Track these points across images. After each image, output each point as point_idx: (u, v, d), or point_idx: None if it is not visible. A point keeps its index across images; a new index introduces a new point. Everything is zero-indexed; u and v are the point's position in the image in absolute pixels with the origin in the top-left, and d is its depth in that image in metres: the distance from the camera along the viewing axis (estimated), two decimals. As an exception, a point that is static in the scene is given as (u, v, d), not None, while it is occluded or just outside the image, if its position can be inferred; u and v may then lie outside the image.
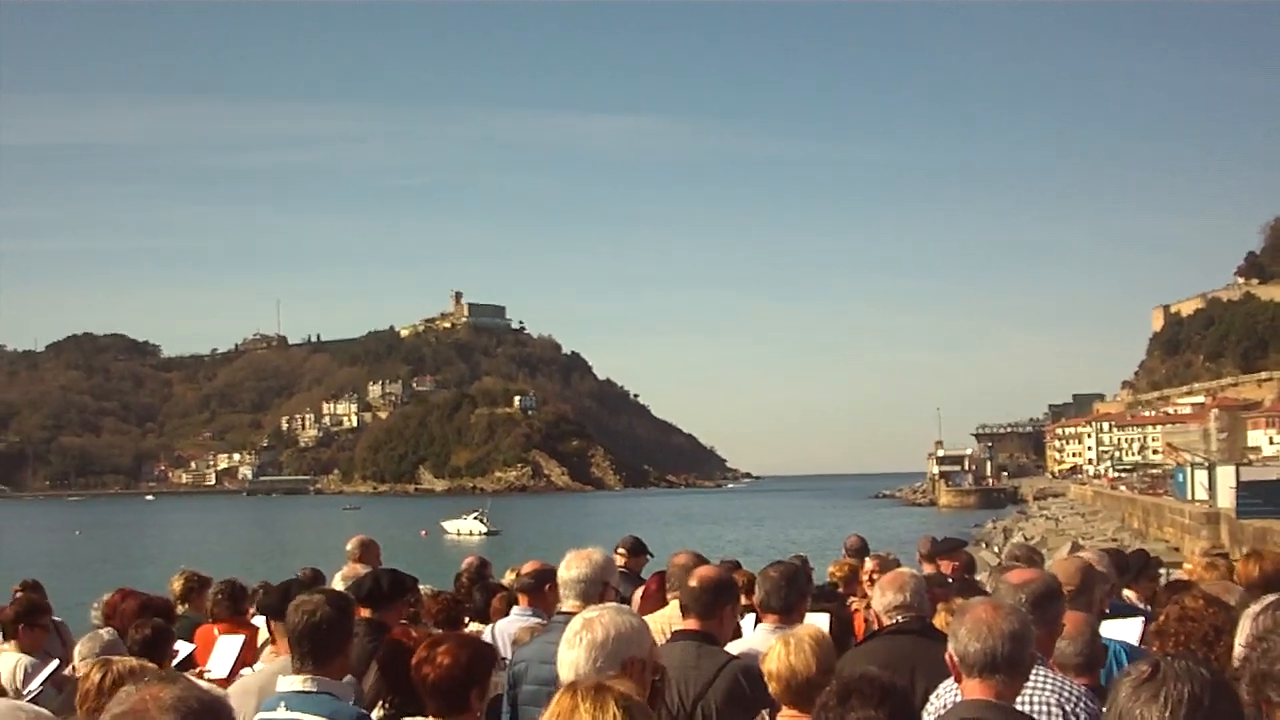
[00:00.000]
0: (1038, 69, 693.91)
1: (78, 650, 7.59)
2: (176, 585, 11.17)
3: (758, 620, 7.36)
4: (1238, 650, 3.95)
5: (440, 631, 7.35)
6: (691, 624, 6.52)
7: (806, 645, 5.71)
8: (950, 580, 11.48)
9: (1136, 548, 16.28)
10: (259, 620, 9.35)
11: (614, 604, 5.59)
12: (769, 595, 7.12)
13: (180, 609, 10.58)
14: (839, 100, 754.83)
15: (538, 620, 8.18)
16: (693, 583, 6.72)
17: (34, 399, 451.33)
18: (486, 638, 8.33)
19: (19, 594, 10.32)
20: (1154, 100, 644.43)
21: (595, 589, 7.00)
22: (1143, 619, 7.97)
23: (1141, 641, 7.37)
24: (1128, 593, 9.98)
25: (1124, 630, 7.69)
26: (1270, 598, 4.65)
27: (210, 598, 10.66)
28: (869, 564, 11.88)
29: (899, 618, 6.83)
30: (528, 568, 9.46)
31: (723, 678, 6.12)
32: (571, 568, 7.12)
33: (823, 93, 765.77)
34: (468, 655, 5.50)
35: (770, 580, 7.21)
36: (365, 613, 7.67)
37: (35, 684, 7.78)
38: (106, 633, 8.26)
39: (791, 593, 7.18)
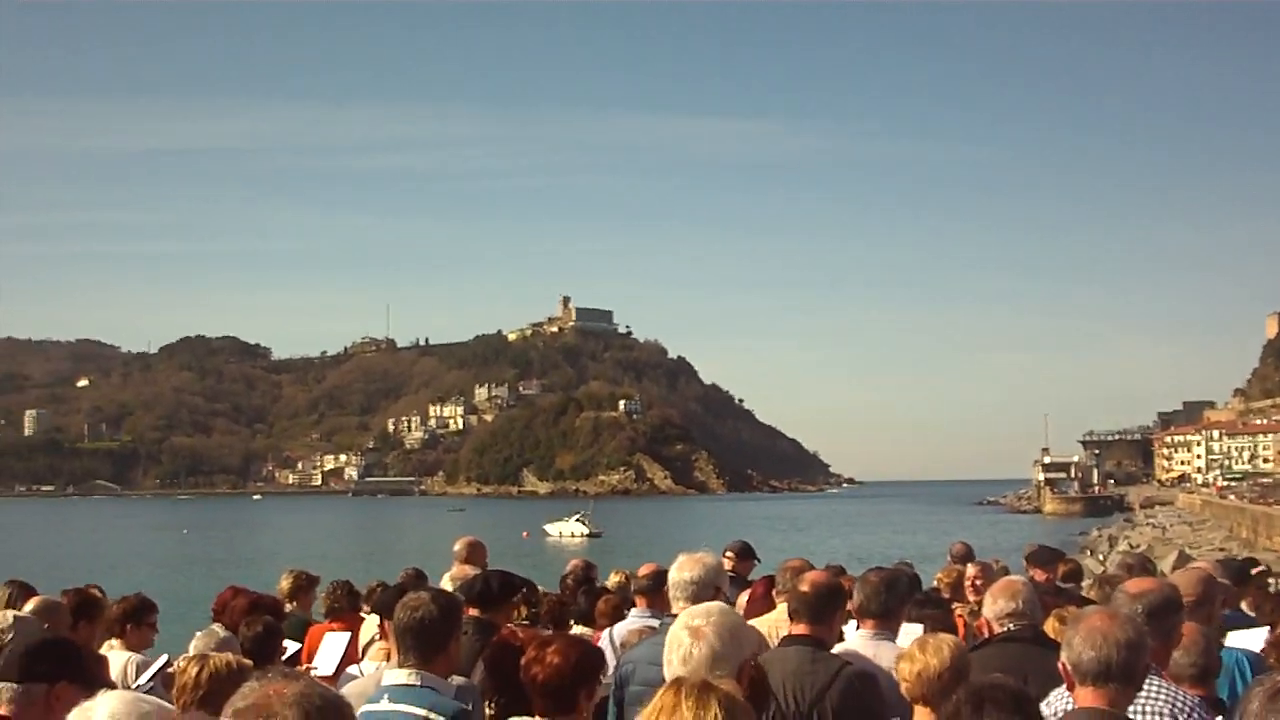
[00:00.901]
0: (1147, 67, 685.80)
1: (193, 646, 7.69)
2: (285, 584, 11.31)
3: (858, 626, 7.35)
4: None
5: (548, 632, 7.39)
6: (802, 629, 6.51)
7: (945, 646, 5.86)
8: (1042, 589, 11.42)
9: (1245, 556, 16.08)
10: (373, 619, 9.46)
11: (723, 605, 5.59)
12: (868, 600, 7.13)
13: (289, 607, 10.72)
14: (948, 98, 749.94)
15: (655, 622, 8.20)
16: (804, 588, 6.70)
17: (147, 400, 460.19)
18: (604, 640, 8.38)
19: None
20: (1268, 97, 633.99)
21: (706, 592, 7.00)
22: (1267, 629, 7.87)
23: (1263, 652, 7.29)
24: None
25: (1248, 640, 7.61)
26: None
27: (326, 596, 10.80)
28: (971, 570, 11.80)
29: (1010, 625, 6.81)
30: (644, 570, 9.49)
31: (839, 682, 6.11)
32: (683, 570, 7.13)
33: (930, 91, 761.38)
34: (577, 655, 5.52)
35: (870, 585, 7.22)
36: (474, 612, 7.72)
37: (145, 679, 7.89)
38: (219, 629, 8.39)
39: (890, 598, 7.19)
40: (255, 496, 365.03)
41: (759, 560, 12.67)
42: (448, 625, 5.78)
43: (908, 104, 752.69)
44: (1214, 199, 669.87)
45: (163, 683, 7.73)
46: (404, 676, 5.60)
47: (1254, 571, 11.14)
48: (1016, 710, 3.91)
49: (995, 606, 6.96)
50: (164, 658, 8.17)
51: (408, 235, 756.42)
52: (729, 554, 12.34)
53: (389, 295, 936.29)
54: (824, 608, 6.57)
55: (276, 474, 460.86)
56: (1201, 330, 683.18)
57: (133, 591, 9.31)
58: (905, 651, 6.09)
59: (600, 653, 6.02)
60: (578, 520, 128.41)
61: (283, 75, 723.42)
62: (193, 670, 5.82)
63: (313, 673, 8.63)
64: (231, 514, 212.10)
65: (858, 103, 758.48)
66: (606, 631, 8.85)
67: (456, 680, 5.90)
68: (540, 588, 10.45)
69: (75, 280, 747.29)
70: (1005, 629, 6.78)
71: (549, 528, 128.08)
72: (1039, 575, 12.46)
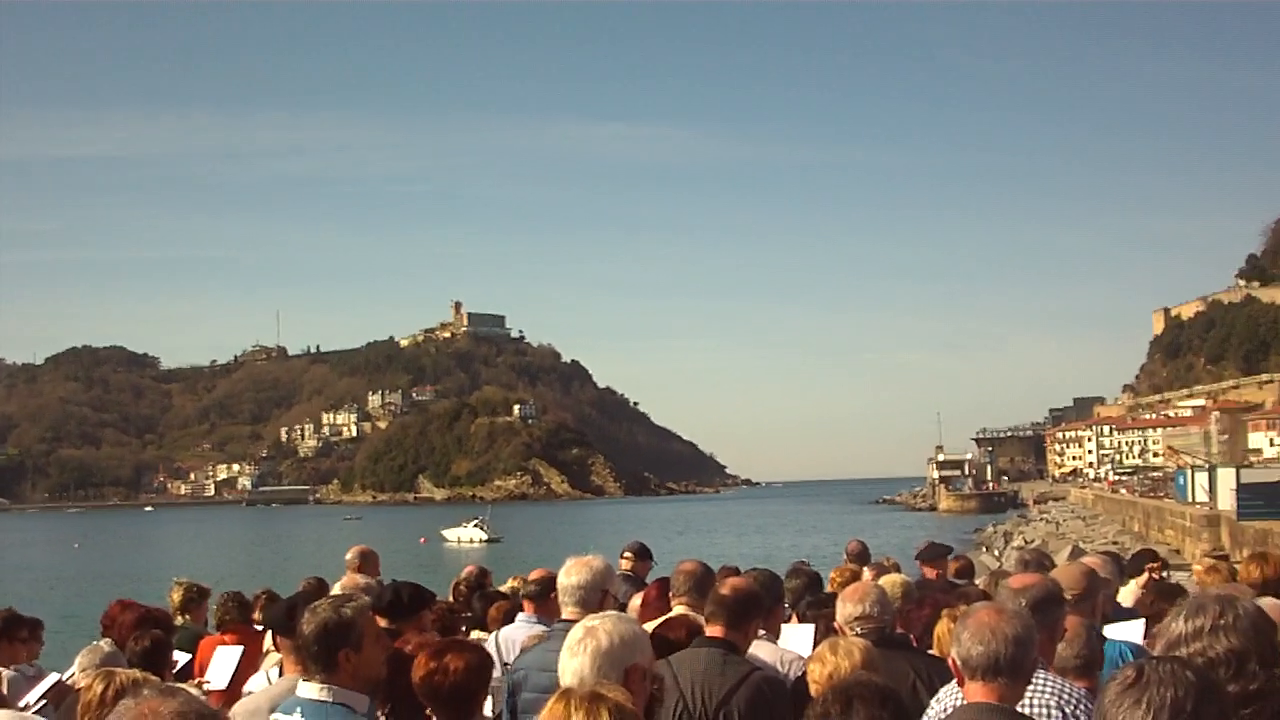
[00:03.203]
0: (1036, 70, 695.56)
1: (77, 662, 7.57)
2: (175, 596, 11.16)
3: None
4: (1158, 649, 3.97)
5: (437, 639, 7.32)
6: (718, 631, 6.51)
7: (855, 649, 5.98)
8: (932, 586, 11.53)
9: (1141, 548, 16.30)
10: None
11: (615, 612, 5.58)
12: None
13: (179, 620, 10.58)
14: (836, 105, 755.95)
15: (543, 628, 8.16)
16: (725, 591, 6.71)
17: (33, 411, 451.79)
18: (490, 646, 8.33)
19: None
20: (1152, 101, 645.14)
21: (595, 596, 7.00)
22: (1144, 620, 7.98)
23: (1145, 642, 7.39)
24: (1128, 593, 10.02)
25: (1127, 632, 7.71)
26: (1191, 598, 4.66)
27: (217, 608, 10.67)
28: (867, 574, 11.89)
29: (859, 628, 6.85)
30: (534, 575, 9.48)
31: (746, 687, 6.12)
32: (571, 575, 7.12)
33: (819, 97, 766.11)
34: (478, 660, 5.54)
35: None
36: (383, 623, 7.64)
37: (34, 697, 7.73)
38: (106, 644, 8.25)
39: (767, 599, 7.26)
40: (148, 508, 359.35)
41: (656, 562, 12.69)
42: (356, 632, 5.50)
43: (801, 108, 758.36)
44: (1101, 198, 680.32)
45: (52, 701, 7.59)
46: (315, 691, 5.38)
47: (1148, 566, 11.30)
48: (883, 706, 3.93)
49: (845, 610, 7.02)
50: (55, 676, 8.02)
51: (298, 242, 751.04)
52: (627, 555, 12.37)
53: (279, 302, 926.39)
54: (743, 614, 6.58)
55: (169, 485, 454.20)
56: (1091, 328, 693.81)
57: (14, 607, 9.16)
58: (815, 653, 6.19)
59: (489, 655, 6.00)
60: (476, 526, 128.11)
61: (171, 81, 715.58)
62: (98, 687, 5.71)
63: (205, 687, 8.53)
64: (124, 526, 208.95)
65: (751, 106, 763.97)
66: (493, 636, 8.81)
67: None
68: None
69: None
70: (855, 632, 6.81)
71: (447, 533, 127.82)
72: (929, 572, 12.64)
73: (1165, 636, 3.90)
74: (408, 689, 5.66)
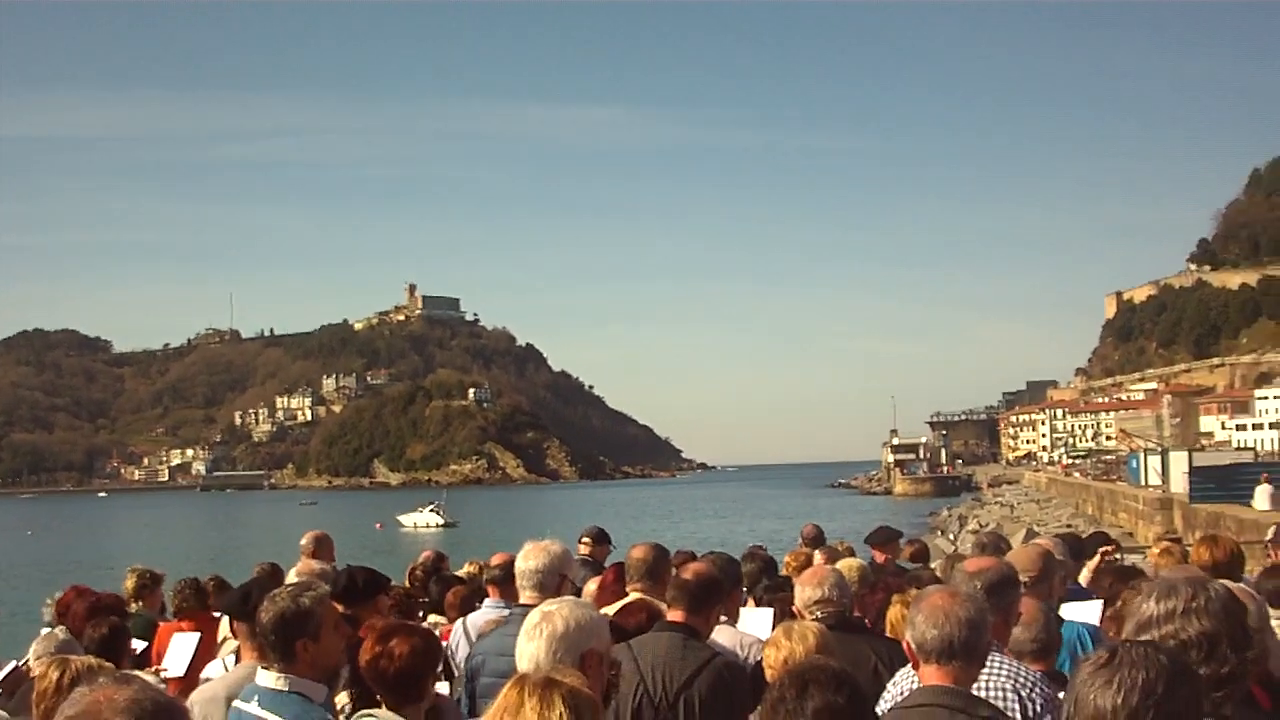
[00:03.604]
0: (992, 57, 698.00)
1: (32, 650, 7.51)
2: (129, 583, 11.10)
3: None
4: (1128, 630, 3.98)
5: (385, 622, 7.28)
6: (678, 616, 6.52)
7: (810, 633, 6.01)
8: (885, 569, 11.58)
9: (1094, 531, 16.38)
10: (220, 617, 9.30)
11: (572, 597, 5.58)
12: None
13: (133, 607, 10.52)
14: (794, 90, 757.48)
15: (508, 612, 8.15)
16: (686, 576, 6.74)
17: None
18: (457, 631, 8.33)
19: None
20: (1106, 86, 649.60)
21: (552, 580, 7.01)
22: (1102, 602, 8.02)
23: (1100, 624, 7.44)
24: (1085, 575, 10.08)
25: (1084, 613, 7.76)
26: (1160, 580, 4.68)
27: (174, 595, 10.61)
28: (818, 556, 11.91)
29: (819, 612, 6.86)
30: (495, 560, 9.46)
31: (707, 672, 6.12)
32: (529, 559, 7.13)
33: (776, 83, 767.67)
34: (423, 643, 5.48)
35: None
36: (339, 609, 7.60)
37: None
38: (60, 631, 8.19)
39: (725, 582, 7.24)
40: (101, 494, 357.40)
41: (614, 546, 12.68)
42: (314, 621, 5.45)
43: (759, 93, 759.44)
44: (1053, 183, 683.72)
45: (6, 689, 7.54)
46: (273, 680, 5.34)
47: (1101, 549, 11.35)
48: (838, 690, 3.93)
49: (804, 595, 7.02)
50: (12, 663, 7.96)
51: (250, 224, 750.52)
52: (585, 539, 12.37)
53: (232, 285, 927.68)
54: (705, 599, 6.59)
55: (122, 470, 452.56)
56: (1043, 312, 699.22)
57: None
58: (770, 638, 6.20)
59: (438, 640, 5.98)
60: (432, 510, 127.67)
61: (123, 64, 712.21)
62: (53, 674, 5.65)
63: (162, 674, 8.48)
64: (77, 512, 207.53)
65: (704, 90, 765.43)
66: (459, 622, 8.78)
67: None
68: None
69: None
70: (813, 617, 6.83)
71: (403, 518, 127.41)
72: (878, 556, 12.68)
73: (1136, 618, 3.91)
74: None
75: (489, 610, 8.68)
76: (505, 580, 8.70)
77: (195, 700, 6.30)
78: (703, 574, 6.81)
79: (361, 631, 6.47)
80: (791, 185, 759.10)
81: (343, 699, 5.98)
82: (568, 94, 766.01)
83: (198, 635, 9.25)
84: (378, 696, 5.46)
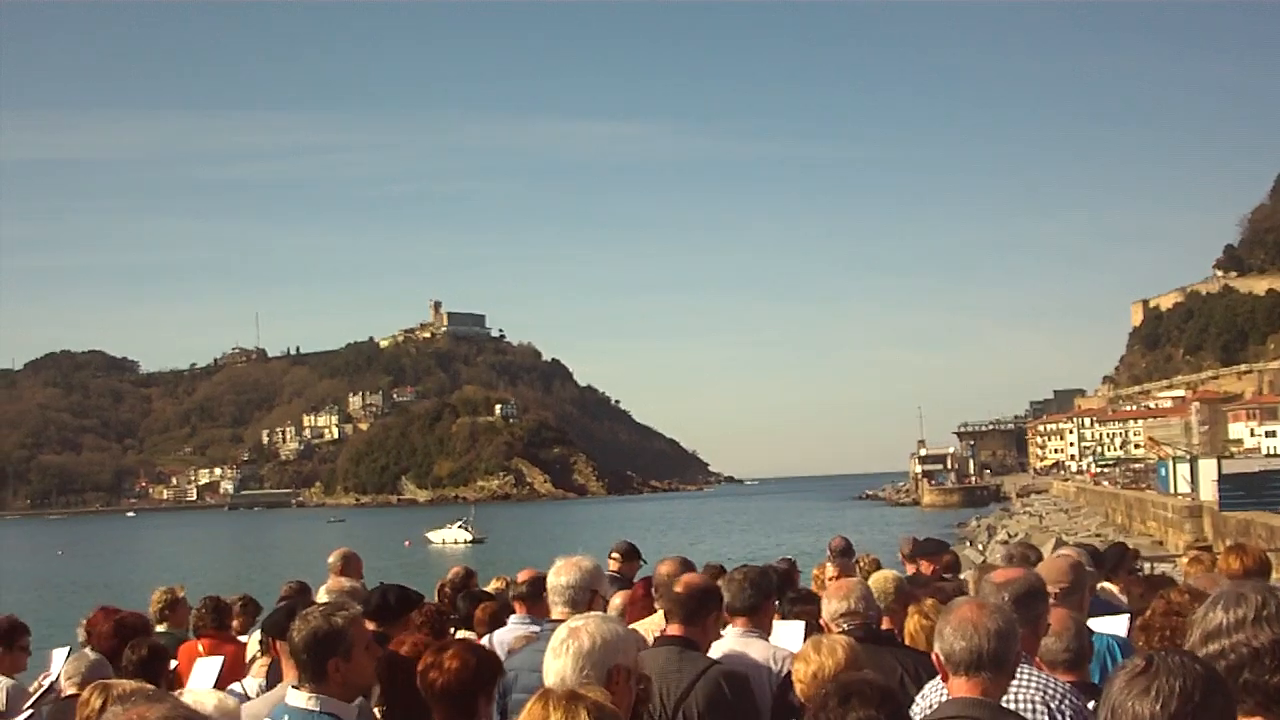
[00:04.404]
0: (1019, 65, 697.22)
1: (64, 671, 7.51)
2: (155, 602, 11.12)
3: (729, 624, 7.37)
4: (1194, 639, 3.92)
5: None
6: (675, 629, 6.55)
7: (839, 647, 5.92)
8: (928, 581, 11.48)
9: (1115, 541, 16.31)
10: (244, 638, 9.30)
11: (600, 612, 5.57)
12: (734, 598, 7.14)
13: (159, 626, 10.52)
14: (817, 102, 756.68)
15: (535, 628, 8.15)
16: (678, 589, 6.74)
17: (12, 418, 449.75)
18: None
19: None
20: (1131, 94, 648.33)
21: (584, 596, 7.00)
22: (1129, 614, 7.99)
23: (1128, 636, 7.40)
24: (1108, 585, 10.01)
25: (1113, 625, 7.72)
26: (1228, 588, 4.64)
27: (193, 614, 10.61)
28: (831, 570, 11.86)
29: (845, 625, 6.84)
30: (522, 576, 9.44)
31: (704, 682, 6.11)
32: (561, 575, 7.12)
33: (799, 95, 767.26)
34: (476, 660, 5.41)
35: (735, 583, 7.25)
36: (372, 627, 7.59)
37: (27, 707, 7.67)
38: (91, 652, 8.19)
39: (756, 594, 7.22)
40: (129, 514, 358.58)
41: (644, 561, 12.66)
42: (346, 640, 5.40)
43: (782, 105, 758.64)
44: (1079, 192, 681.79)
45: (44, 710, 7.54)
46: (303, 700, 5.30)
47: (1128, 564, 11.29)
48: (881, 705, 3.94)
49: (830, 607, 7.02)
50: (48, 683, 7.96)
51: (276, 243, 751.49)
52: (614, 555, 12.31)
53: (258, 304, 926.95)
54: (697, 609, 6.60)
55: (150, 490, 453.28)
56: (1070, 320, 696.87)
57: (3, 614, 9.09)
58: (800, 652, 6.12)
59: (497, 658, 5.95)
60: (460, 527, 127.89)
61: (147, 84, 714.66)
62: (96, 701, 5.60)
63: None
64: (106, 532, 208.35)
65: (732, 104, 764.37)
66: (487, 638, 8.78)
67: (358, 701, 5.71)
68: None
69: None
70: (841, 629, 6.81)
71: (431, 535, 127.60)
72: (926, 567, 12.54)
73: (1203, 626, 3.86)
74: (402, 691, 5.64)
75: (516, 626, 8.68)
76: (532, 596, 8.70)
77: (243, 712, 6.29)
78: (694, 585, 6.81)
79: (403, 648, 6.46)
80: (817, 196, 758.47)
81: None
82: (590, 109, 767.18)
83: (221, 659, 9.23)
84: (434, 713, 5.43)
